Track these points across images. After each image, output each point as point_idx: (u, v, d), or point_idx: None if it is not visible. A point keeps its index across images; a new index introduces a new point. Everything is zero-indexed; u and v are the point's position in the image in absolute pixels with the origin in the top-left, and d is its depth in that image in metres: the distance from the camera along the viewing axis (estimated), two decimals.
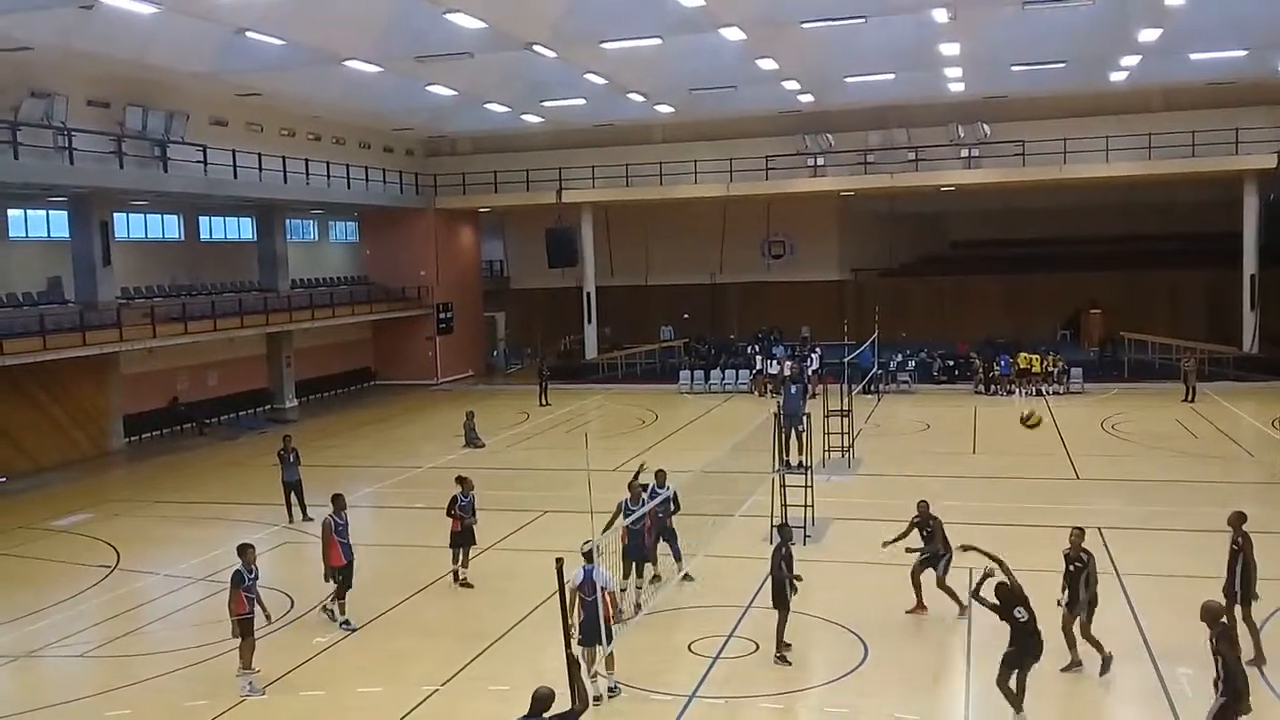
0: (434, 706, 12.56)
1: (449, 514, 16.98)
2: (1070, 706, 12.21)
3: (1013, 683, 11.50)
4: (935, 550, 14.97)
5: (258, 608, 13.50)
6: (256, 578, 13.69)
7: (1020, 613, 11.64)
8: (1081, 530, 13.29)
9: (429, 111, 39.01)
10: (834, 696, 12.56)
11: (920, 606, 15.11)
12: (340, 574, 15.44)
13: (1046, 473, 24.48)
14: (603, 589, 12.08)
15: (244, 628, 13.26)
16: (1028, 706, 11.51)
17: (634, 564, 15.58)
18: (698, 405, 37.17)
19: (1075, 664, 12.73)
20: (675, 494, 16.54)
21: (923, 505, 15.37)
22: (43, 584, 18.30)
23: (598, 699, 12.10)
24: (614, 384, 42.92)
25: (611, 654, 12.40)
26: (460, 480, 17.33)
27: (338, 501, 15.87)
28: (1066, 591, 12.93)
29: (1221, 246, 41.40)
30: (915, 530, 15.19)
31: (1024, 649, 11.57)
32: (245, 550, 13.69)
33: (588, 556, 12.45)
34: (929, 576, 15.04)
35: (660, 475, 16.62)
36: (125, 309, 31.08)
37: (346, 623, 15.34)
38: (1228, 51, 32.73)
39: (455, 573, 17.04)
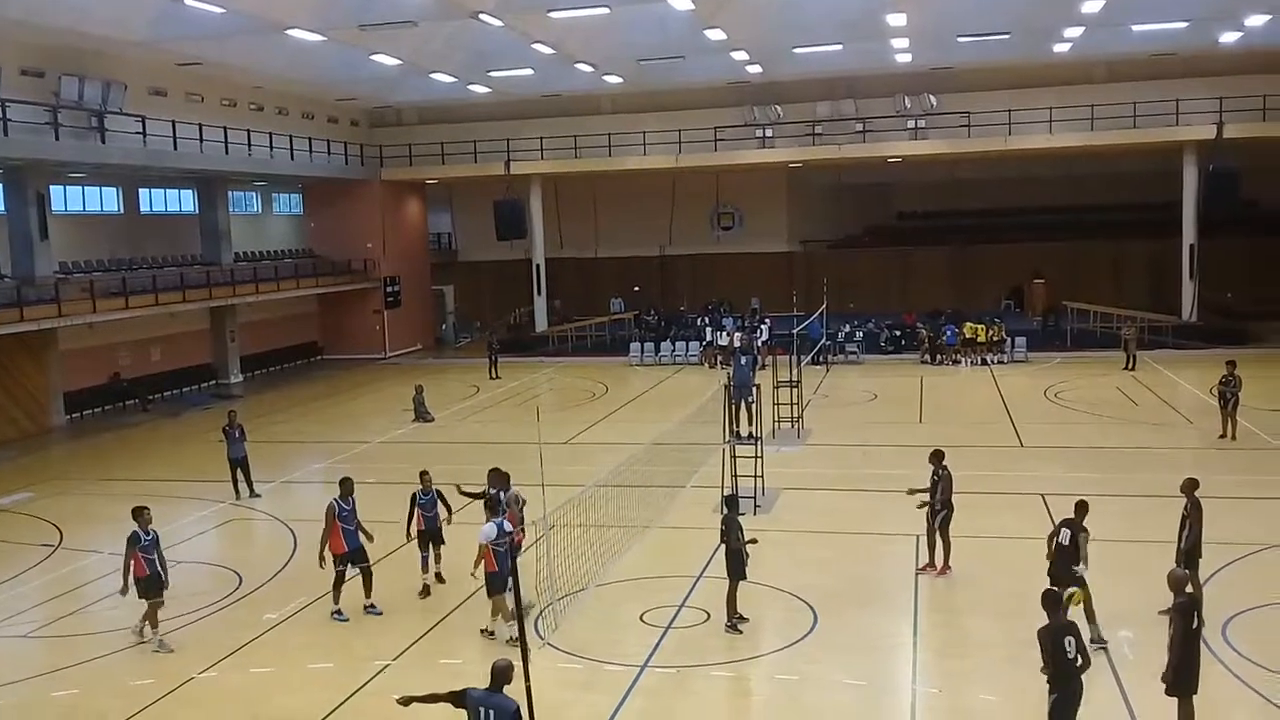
0: (385, 682, 12.51)
1: (410, 514, 15.64)
2: (1013, 671, 12.43)
3: None
4: (934, 503, 15.21)
5: (159, 569, 13.80)
6: (155, 540, 13.90)
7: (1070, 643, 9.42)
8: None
9: (373, 81, 38.46)
10: (784, 664, 12.70)
11: (931, 565, 15.39)
12: (340, 561, 14.56)
13: (992, 441, 24.85)
14: (510, 535, 13.13)
15: (147, 589, 13.66)
16: (984, 674, 11.66)
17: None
18: (648, 377, 37.23)
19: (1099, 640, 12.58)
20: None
21: (935, 455, 15.52)
22: None
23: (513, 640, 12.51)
24: (564, 357, 42.87)
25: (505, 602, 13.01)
26: (421, 475, 16.04)
27: (345, 485, 14.91)
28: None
29: (1163, 216, 42.12)
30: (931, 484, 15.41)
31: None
32: (140, 513, 13.89)
33: (491, 508, 13.45)
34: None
35: (494, 476, 14.99)
36: (64, 284, 30.45)
37: (338, 613, 14.57)
38: (1169, 23, 33.15)
39: (425, 586, 15.54)
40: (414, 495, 15.74)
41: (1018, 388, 32.17)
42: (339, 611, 14.61)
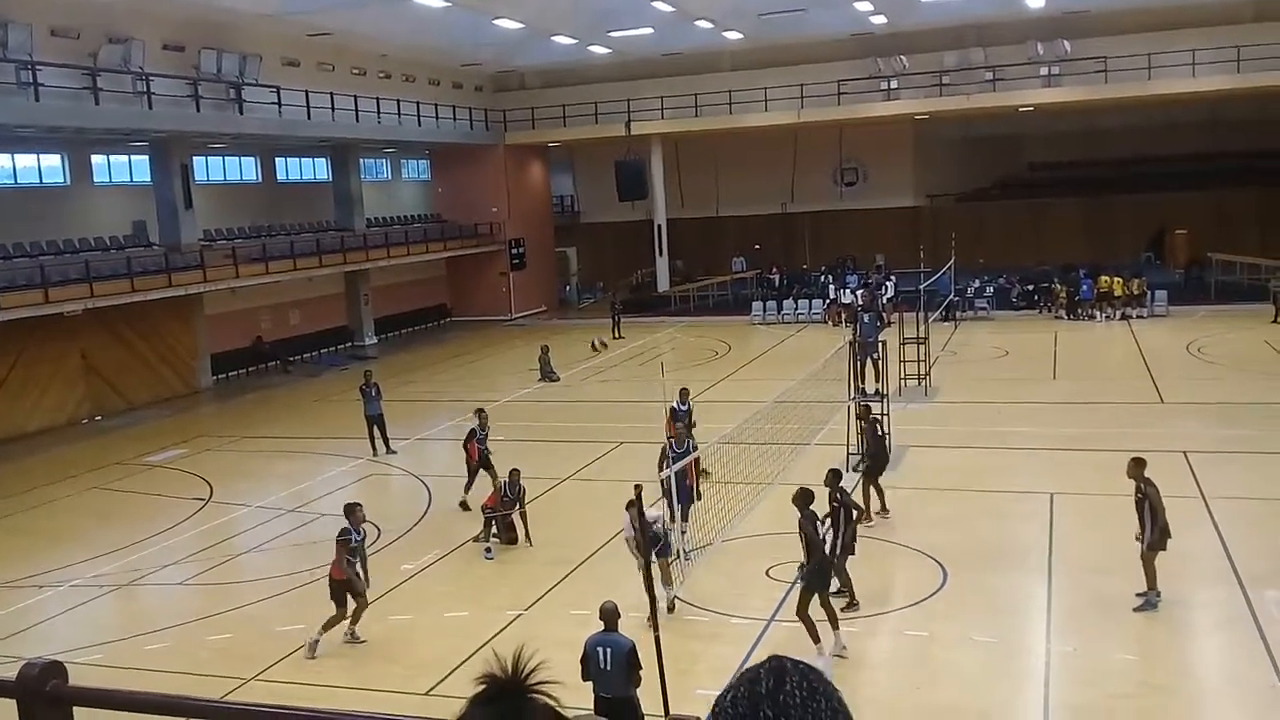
0: (518, 629, 12.89)
1: (465, 445, 18.40)
2: (1153, 631, 12.12)
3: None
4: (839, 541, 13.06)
5: (360, 571, 12.94)
6: (363, 540, 13.24)
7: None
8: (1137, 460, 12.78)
9: (497, 46, 38.88)
10: (912, 620, 12.63)
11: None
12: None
13: (1130, 397, 24.06)
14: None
15: (336, 591, 12.81)
16: (1122, 634, 11.39)
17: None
18: (771, 336, 37.07)
19: (1155, 596, 12.39)
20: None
21: (832, 475, 13.62)
22: (142, 516, 19.02)
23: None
24: (686, 316, 42.93)
25: None
26: (477, 413, 19.03)
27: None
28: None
29: None
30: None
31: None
32: (354, 510, 13.17)
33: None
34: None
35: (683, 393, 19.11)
36: (208, 250, 31.77)
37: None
38: None
39: (463, 502, 17.92)
40: (471, 431, 18.51)
41: (1158, 342, 31.02)
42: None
